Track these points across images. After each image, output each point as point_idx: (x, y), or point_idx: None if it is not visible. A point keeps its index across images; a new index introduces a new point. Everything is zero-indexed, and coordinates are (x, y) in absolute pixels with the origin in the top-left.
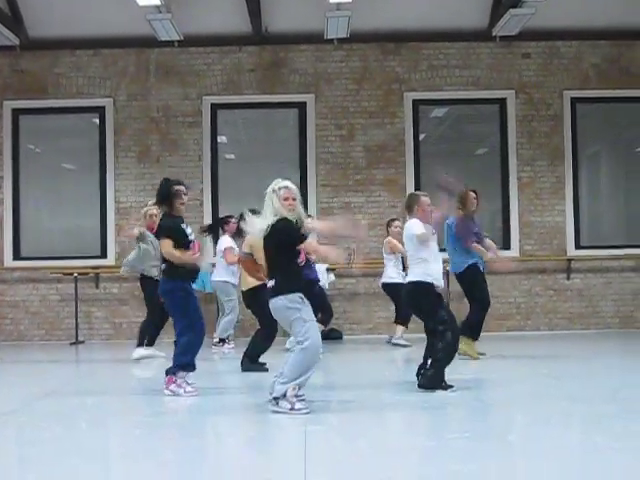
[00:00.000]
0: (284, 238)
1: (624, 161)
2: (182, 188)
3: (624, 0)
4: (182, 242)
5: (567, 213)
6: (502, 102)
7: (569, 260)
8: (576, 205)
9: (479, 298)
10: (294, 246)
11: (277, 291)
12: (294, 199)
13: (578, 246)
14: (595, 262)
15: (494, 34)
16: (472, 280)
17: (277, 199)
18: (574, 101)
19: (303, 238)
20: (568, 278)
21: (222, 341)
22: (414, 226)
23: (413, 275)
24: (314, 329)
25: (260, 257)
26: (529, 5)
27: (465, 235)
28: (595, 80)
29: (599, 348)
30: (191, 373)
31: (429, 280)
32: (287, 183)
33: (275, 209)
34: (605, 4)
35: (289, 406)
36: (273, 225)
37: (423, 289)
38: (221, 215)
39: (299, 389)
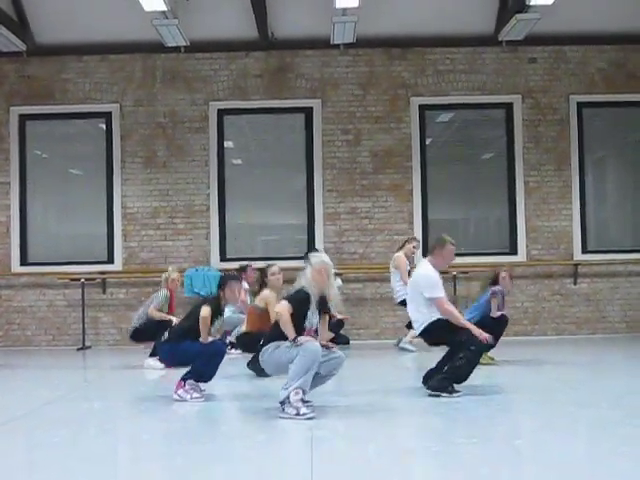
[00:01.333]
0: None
1: (631, 165)
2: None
3: (630, 5)
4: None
5: (574, 218)
6: (508, 107)
7: (576, 265)
8: (583, 210)
9: None
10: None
11: (270, 338)
12: (328, 276)
13: (585, 251)
14: (602, 267)
15: (500, 39)
16: None
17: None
18: (580, 106)
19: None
20: (575, 283)
21: (232, 345)
22: (433, 287)
23: (429, 317)
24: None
25: (272, 314)
26: (535, 10)
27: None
28: (601, 85)
29: (606, 353)
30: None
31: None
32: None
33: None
34: (611, 9)
35: (294, 411)
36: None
37: (442, 324)
38: (238, 265)
39: (303, 393)
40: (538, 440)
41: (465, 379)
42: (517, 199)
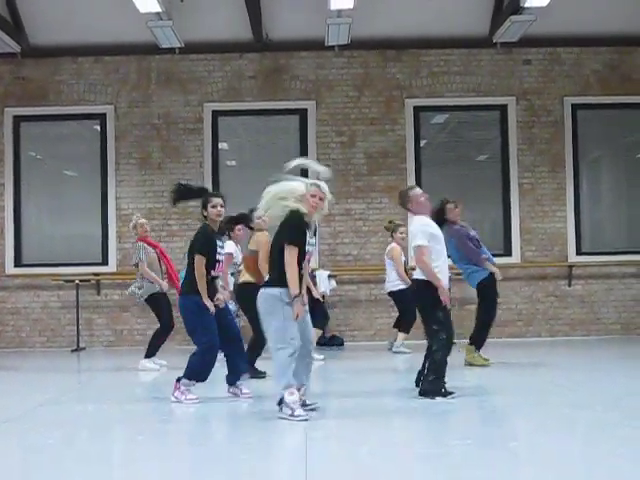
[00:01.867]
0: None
1: (625, 167)
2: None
3: (625, 7)
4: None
5: (568, 219)
6: (503, 108)
7: (570, 266)
8: (577, 211)
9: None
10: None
11: (273, 282)
12: (321, 199)
13: (579, 252)
14: (596, 268)
15: (495, 41)
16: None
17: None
18: (575, 107)
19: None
20: (569, 284)
21: None
22: (417, 235)
23: (419, 273)
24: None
25: (264, 255)
26: (530, 12)
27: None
28: (596, 86)
29: (601, 355)
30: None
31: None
32: (320, 183)
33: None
34: (606, 11)
35: (289, 412)
36: (287, 219)
37: (427, 286)
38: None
39: (298, 390)
40: (533, 442)
41: (445, 363)
42: (511, 201)
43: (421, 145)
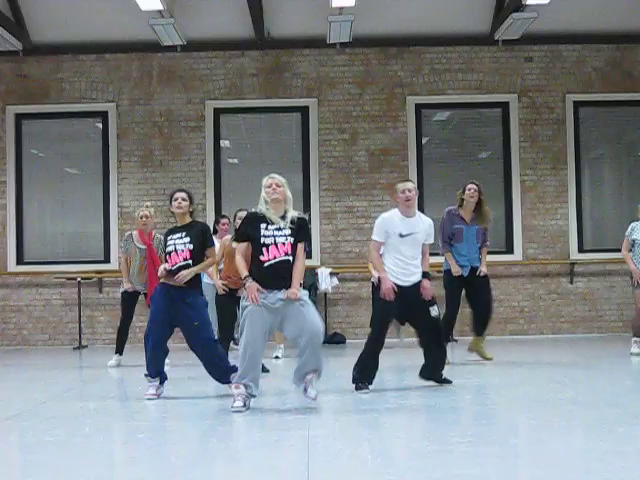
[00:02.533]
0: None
1: (627, 164)
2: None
3: (626, 4)
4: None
5: (570, 217)
6: (505, 106)
7: (572, 264)
8: (579, 209)
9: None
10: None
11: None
12: (278, 185)
13: (581, 250)
14: (598, 266)
15: (496, 38)
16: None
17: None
18: (577, 105)
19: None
20: (571, 282)
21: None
22: (378, 224)
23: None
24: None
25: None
26: (531, 9)
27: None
28: (598, 84)
29: (602, 352)
30: (150, 378)
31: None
32: (272, 174)
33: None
34: (607, 8)
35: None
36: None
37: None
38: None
39: (246, 388)
40: (534, 439)
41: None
42: (513, 198)
43: (423, 142)
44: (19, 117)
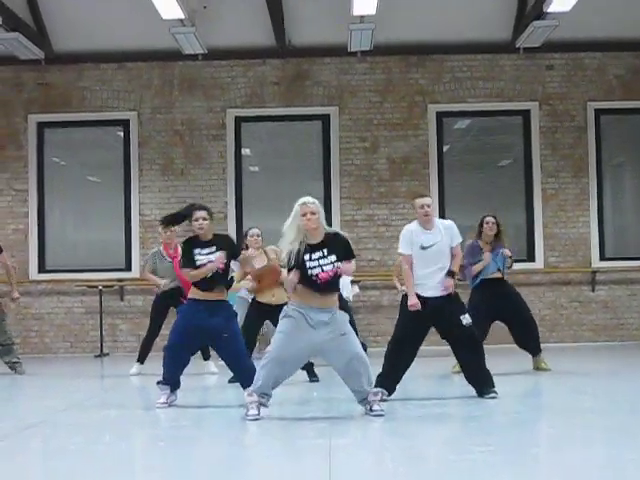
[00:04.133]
0: None
1: None
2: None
3: None
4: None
5: (591, 224)
6: (526, 114)
7: (594, 272)
8: (600, 216)
9: None
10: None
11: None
12: (313, 213)
13: (603, 258)
14: (620, 274)
15: (517, 46)
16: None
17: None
18: (598, 112)
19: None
20: (593, 290)
21: None
22: (402, 238)
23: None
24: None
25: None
26: (552, 17)
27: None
28: (619, 91)
29: (625, 360)
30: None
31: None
32: (304, 199)
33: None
34: (629, 15)
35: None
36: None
37: (403, 298)
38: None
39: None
40: (555, 448)
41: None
42: (534, 206)
43: (444, 150)
44: (41, 125)
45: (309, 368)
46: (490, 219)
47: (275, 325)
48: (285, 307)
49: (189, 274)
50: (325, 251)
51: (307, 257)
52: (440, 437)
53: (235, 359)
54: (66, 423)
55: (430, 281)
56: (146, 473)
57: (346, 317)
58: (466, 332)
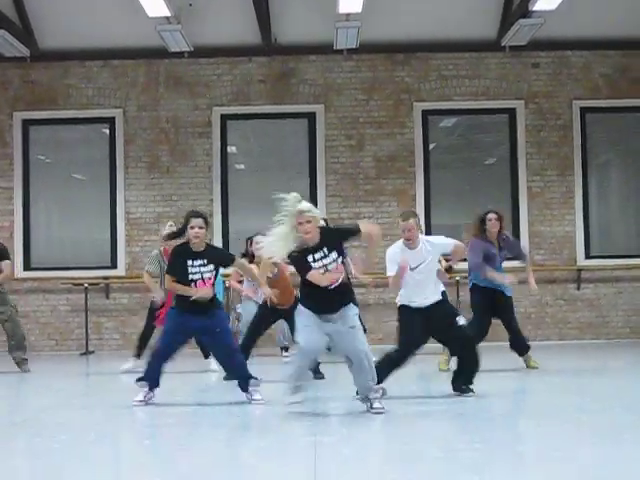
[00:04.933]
0: None
1: (634, 170)
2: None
3: (634, 10)
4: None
5: (577, 223)
6: (511, 112)
7: (579, 270)
8: (586, 215)
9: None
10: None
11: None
12: (308, 221)
13: (588, 256)
14: (605, 272)
15: (503, 44)
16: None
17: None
18: (584, 111)
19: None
20: (578, 288)
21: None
22: (387, 259)
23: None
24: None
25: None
26: (538, 15)
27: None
28: (605, 90)
29: (610, 358)
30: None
31: (404, 302)
32: (301, 207)
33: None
34: (615, 14)
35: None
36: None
37: (399, 309)
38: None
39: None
40: (541, 446)
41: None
42: (520, 204)
43: (430, 148)
44: (26, 123)
45: (315, 366)
46: (492, 215)
47: (290, 324)
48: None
49: (174, 286)
50: (325, 250)
51: (310, 259)
52: (426, 435)
53: (227, 355)
54: (51, 422)
55: (419, 298)
56: (132, 472)
57: (355, 310)
58: (461, 332)
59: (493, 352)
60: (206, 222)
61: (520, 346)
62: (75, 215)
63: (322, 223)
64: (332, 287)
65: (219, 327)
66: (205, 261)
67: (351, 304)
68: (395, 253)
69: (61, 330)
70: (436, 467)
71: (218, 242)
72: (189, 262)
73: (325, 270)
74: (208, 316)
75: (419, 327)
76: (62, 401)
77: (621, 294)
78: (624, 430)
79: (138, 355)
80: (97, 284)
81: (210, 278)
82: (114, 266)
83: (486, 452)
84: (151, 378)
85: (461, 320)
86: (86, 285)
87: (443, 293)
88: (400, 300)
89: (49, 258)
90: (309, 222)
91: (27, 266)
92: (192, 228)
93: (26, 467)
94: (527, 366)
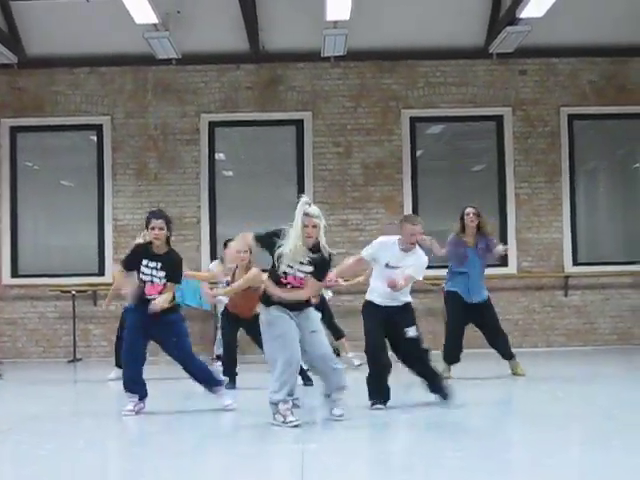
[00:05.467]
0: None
1: (621, 177)
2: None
3: (621, 17)
4: None
5: (564, 230)
6: (499, 119)
7: (567, 277)
8: (573, 222)
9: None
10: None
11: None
12: (314, 226)
13: (576, 263)
14: (593, 279)
15: (491, 51)
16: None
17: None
18: (571, 118)
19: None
20: (566, 295)
21: (218, 357)
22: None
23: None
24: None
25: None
26: (525, 22)
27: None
28: (592, 97)
29: (597, 365)
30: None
31: (369, 298)
32: (308, 210)
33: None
34: (601, 21)
35: (282, 419)
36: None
37: (363, 305)
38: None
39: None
40: (528, 454)
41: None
42: (508, 211)
43: (417, 155)
44: (14, 130)
45: (303, 373)
46: (470, 210)
47: (249, 334)
48: (262, 315)
49: (123, 282)
50: (308, 260)
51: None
52: (412, 443)
53: (186, 359)
54: (38, 429)
55: (390, 295)
56: (119, 479)
57: (318, 315)
58: (410, 345)
59: (479, 360)
60: (168, 223)
61: (501, 347)
62: (63, 222)
63: (323, 241)
64: (292, 286)
65: (175, 336)
66: (159, 265)
67: (312, 307)
68: (386, 249)
69: (49, 337)
70: (421, 475)
71: (206, 249)
72: (144, 262)
73: (295, 274)
74: (165, 323)
75: (380, 326)
76: (50, 408)
77: (608, 301)
78: (612, 436)
79: (119, 364)
80: (85, 291)
81: (159, 284)
82: (102, 273)
83: (473, 460)
84: (134, 388)
85: (411, 332)
86: (74, 292)
87: (408, 304)
88: (368, 295)
89: (37, 265)
90: (315, 227)
91: (15, 273)
92: (152, 229)
93: (13, 475)
94: (513, 373)
